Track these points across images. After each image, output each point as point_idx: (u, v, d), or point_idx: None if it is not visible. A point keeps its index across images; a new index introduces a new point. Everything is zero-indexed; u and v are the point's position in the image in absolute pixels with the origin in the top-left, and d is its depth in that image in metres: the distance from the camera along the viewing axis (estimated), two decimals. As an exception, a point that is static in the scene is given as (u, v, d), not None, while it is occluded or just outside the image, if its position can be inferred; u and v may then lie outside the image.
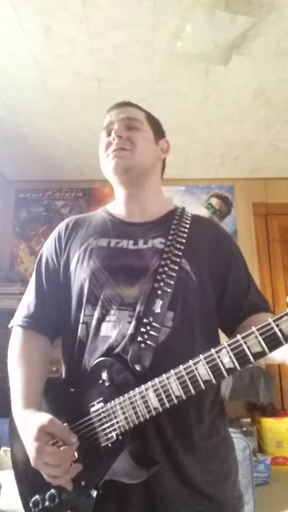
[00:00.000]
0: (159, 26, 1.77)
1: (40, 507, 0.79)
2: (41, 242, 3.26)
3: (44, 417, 0.76)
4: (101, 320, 0.84)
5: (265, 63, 2.01)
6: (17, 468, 0.86)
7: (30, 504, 0.80)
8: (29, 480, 0.82)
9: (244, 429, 2.58)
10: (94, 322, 0.84)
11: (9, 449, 1.73)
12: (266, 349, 0.61)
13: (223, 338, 0.90)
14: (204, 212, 3.29)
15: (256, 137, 2.75)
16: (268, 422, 2.62)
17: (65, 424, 0.78)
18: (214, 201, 3.34)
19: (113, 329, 0.81)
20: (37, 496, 0.80)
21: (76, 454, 0.76)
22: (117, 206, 1.01)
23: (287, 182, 3.37)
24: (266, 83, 2.17)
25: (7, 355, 0.92)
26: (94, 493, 0.73)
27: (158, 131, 1.03)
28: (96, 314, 0.84)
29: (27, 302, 0.96)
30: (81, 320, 0.87)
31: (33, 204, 3.37)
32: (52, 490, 0.78)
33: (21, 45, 1.88)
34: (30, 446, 0.74)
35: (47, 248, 1.00)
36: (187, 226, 0.93)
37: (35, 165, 3.13)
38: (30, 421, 0.77)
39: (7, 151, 2.90)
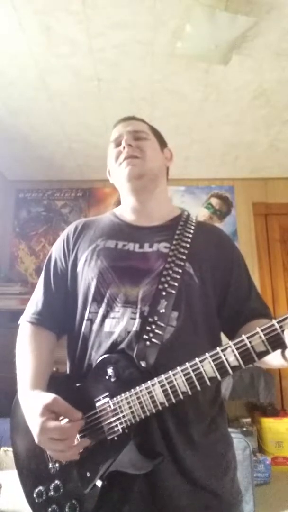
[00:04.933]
0: (159, 26, 1.77)
1: (44, 497, 0.81)
2: (41, 242, 3.26)
3: (48, 396, 0.79)
4: (105, 316, 0.87)
5: (265, 63, 2.01)
6: (19, 459, 0.88)
7: (34, 495, 0.83)
8: (32, 471, 0.85)
9: (244, 429, 2.58)
10: (98, 319, 0.87)
11: (9, 449, 1.73)
12: (270, 349, 0.65)
13: (225, 339, 0.91)
14: (204, 212, 3.30)
15: (256, 137, 2.75)
16: (268, 422, 2.61)
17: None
18: (214, 201, 3.34)
19: (116, 325, 0.84)
20: (40, 487, 0.82)
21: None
22: (125, 210, 1.05)
23: (287, 182, 3.37)
24: (266, 83, 2.17)
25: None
26: (100, 484, 0.76)
27: (162, 141, 1.09)
28: (100, 311, 0.88)
29: (35, 300, 1.00)
30: (86, 317, 0.90)
31: (33, 204, 3.37)
32: (57, 481, 0.81)
33: (21, 45, 1.88)
34: (34, 422, 0.77)
35: (56, 249, 1.04)
36: (192, 231, 0.97)
37: (35, 165, 3.13)
38: (35, 399, 0.80)
39: (7, 151, 2.90)
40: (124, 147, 0.99)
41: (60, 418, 0.77)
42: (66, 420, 0.77)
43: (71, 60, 1.99)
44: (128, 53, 1.94)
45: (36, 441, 0.77)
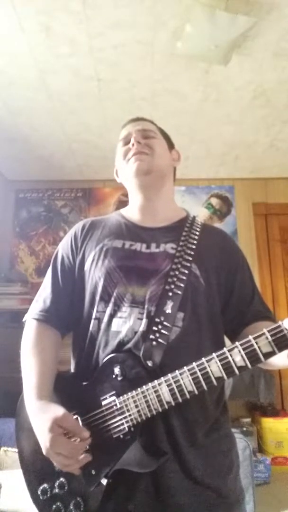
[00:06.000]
0: (159, 26, 1.77)
1: (48, 495, 0.82)
2: (41, 242, 3.26)
3: (58, 411, 0.79)
4: (112, 316, 0.87)
5: (265, 63, 2.01)
6: (24, 458, 0.89)
7: (39, 492, 0.83)
8: (36, 469, 0.86)
9: (244, 429, 2.58)
10: (106, 318, 0.88)
11: (9, 449, 1.73)
12: (276, 350, 0.66)
13: (227, 341, 0.92)
14: (204, 212, 3.30)
15: (256, 137, 2.75)
16: (268, 422, 2.61)
17: (76, 416, 0.82)
18: (214, 201, 3.34)
19: (123, 325, 0.85)
20: (45, 485, 0.83)
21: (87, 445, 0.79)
22: (132, 211, 1.06)
23: (287, 182, 3.37)
24: (266, 83, 2.17)
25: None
26: (104, 482, 0.77)
27: (170, 142, 1.11)
28: (108, 311, 0.88)
29: (43, 296, 1.00)
30: (93, 316, 0.91)
31: (33, 204, 3.37)
32: (62, 479, 0.82)
33: (21, 45, 1.88)
34: (44, 436, 0.78)
35: (63, 246, 1.04)
36: (197, 233, 0.98)
37: (35, 165, 3.13)
38: (44, 412, 0.80)
39: (7, 151, 2.90)
40: (133, 144, 1.00)
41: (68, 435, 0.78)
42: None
43: (71, 60, 1.99)
44: (128, 53, 1.94)
45: (44, 452, 0.78)
